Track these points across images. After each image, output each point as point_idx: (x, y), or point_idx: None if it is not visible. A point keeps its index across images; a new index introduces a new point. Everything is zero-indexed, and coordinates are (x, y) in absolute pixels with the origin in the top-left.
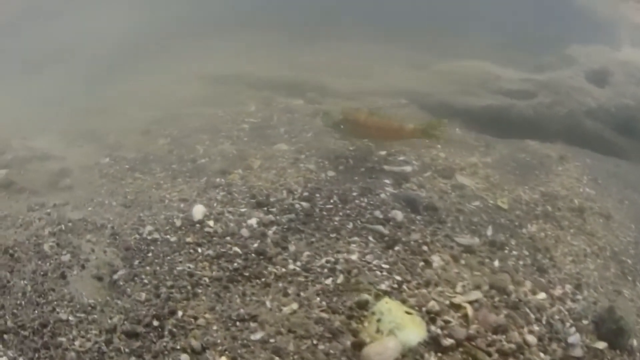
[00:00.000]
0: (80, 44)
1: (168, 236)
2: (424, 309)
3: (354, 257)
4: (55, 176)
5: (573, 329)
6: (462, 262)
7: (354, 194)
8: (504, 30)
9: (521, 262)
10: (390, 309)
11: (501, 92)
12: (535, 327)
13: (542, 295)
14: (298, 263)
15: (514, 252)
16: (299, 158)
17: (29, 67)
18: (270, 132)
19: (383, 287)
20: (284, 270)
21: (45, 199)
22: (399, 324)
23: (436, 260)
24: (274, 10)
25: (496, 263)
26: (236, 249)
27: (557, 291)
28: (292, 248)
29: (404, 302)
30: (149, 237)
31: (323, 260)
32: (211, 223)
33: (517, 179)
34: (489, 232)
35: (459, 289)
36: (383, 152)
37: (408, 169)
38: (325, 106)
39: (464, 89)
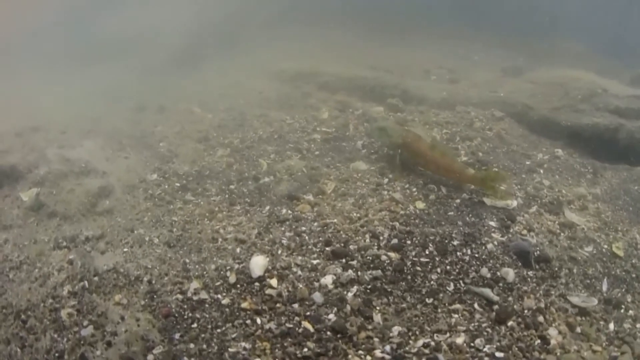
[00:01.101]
0: (146, 36)
1: (219, 296)
2: None
3: (459, 340)
4: (92, 197)
5: None
6: (578, 330)
7: (455, 242)
8: (592, 35)
9: (638, 325)
10: None
11: (608, 110)
12: None
13: None
14: (387, 347)
15: (630, 312)
16: (381, 183)
17: (90, 58)
18: (345, 146)
19: None
20: (369, 359)
21: (77, 229)
22: None
23: (553, 334)
24: (354, 5)
25: (611, 326)
26: (307, 325)
27: None
28: (377, 318)
29: None
30: (194, 298)
31: (420, 344)
32: (274, 282)
33: (630, 217)
34: (604, 286)
35: None
36: None
37: (512, 203)
38: (382, 121)
39: (568, 104)
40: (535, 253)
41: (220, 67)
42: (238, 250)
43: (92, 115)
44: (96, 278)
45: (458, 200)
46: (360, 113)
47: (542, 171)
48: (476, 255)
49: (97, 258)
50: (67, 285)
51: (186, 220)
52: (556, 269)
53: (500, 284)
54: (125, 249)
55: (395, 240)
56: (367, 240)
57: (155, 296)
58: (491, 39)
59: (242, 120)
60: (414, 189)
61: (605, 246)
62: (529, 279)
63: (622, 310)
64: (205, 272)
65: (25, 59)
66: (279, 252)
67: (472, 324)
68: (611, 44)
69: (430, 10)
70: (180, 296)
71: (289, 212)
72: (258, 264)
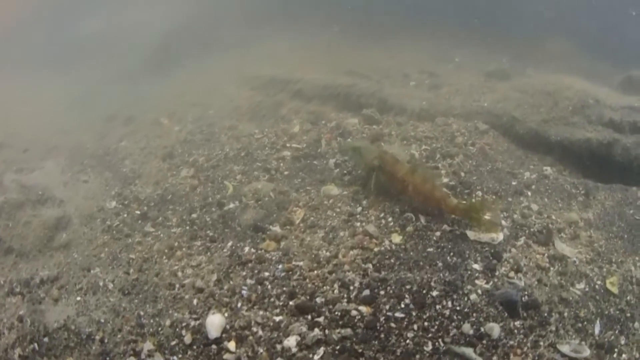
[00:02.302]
0: (122, 39)
1: (174, 358)
2: None
3: None
4: (49, 230)
5: None
6: None
7: (434, 292)
8: (577, 34)
9: None
10: None
11: (601, 122)
12: None
13: None
14: None
15: (624, 356)
16: (354, 213)
17: (64, 62)
18: (317, 165)
19: None
20: None
21: (33, 269)
22: None
23: None
24: (332, 5)
25: None
26: None
27: None
28: None
29: None
30: None
31: None
32: (232, 346)
33: (625, 246)
34: (597, 329)
35: None
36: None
37: (498, 237)
38: (356, 140)
39: (557, 116)
40: (523, 298)
41: (194, 72)
42: (195, 301)
43: (59, 127)
44: (46, 339)
45: (438, 233)
46: (334, 125)
47: (529, 193)
48: (458, 308)
49: (48, 311)
50: (18, 348)
51: (144, 257)
52: (545, 314)
53: (484, 341)
54: (78, 298)
55: (367, 292)
56: (336, 290)
57: (107, 358)
58: (472, 38)
59: (210, 134)
60: (390, 219)
61: (599, 282)
62: (515, 331)
63: (615, 355)
64: (160, 329)
65: None
66: (239, 304)
67: None
68: (597, 43)
69: (409, 9)
70: (133, 359)
71: (252, 250)
72: (214, 324)
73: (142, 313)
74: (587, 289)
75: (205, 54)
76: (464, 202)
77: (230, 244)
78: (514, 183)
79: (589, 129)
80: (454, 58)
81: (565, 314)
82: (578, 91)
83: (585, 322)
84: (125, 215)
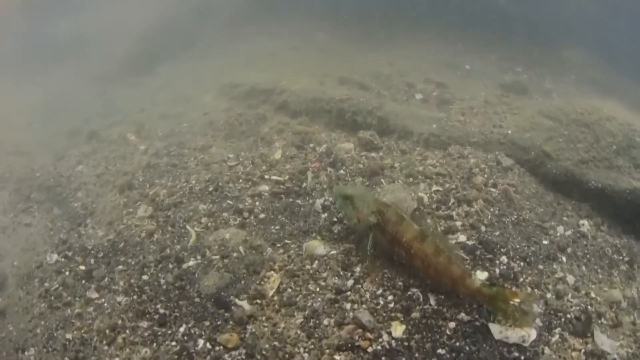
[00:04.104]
0: (102, 38)
1: None
2: None
3: None
4: None
5: None
6: None
7: None
8: (593, 43)
9: None
10: None
11: None
12: None
13: None
14: None
15: None
16: (343, 289)
17: (41, 63)
18: (300, 205)
19: None
20: None
21: None
22: None
23: None
24: (329, 3)
25: None
26: None
27: None
28: None
29: None
30: None
31: None
32: None
33: None
34: None
35: None
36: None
37: (531, 335)
38: (348, 183)
39: (599, 156)
40: None
41: (170, 77)
42: None
43: (15, 145)
44: None
45: (453, 324)
46: (324, 151)
47: (564, 258)
48: None
49: None
50: None
51: (82, 339)
52: None
53: None
54: None
55: None
56: None
57: None
58: (482, 43)
59: (178, 156)
60: (390, 297)
61: None
62: None
63: None
64: None
65: None
66: None
67: None
68: (614, 52)
69: (413, 8)
70: None
71: (208, 346)
72: None
73: None
74: None
75: (188, 55)
76: (489, 285)
77: (182, 329)
78: (545, 242)
79: (635, 175)
80: (463, 65)
81: None
82: (622, 125)
83: None
84: (67, 273)
